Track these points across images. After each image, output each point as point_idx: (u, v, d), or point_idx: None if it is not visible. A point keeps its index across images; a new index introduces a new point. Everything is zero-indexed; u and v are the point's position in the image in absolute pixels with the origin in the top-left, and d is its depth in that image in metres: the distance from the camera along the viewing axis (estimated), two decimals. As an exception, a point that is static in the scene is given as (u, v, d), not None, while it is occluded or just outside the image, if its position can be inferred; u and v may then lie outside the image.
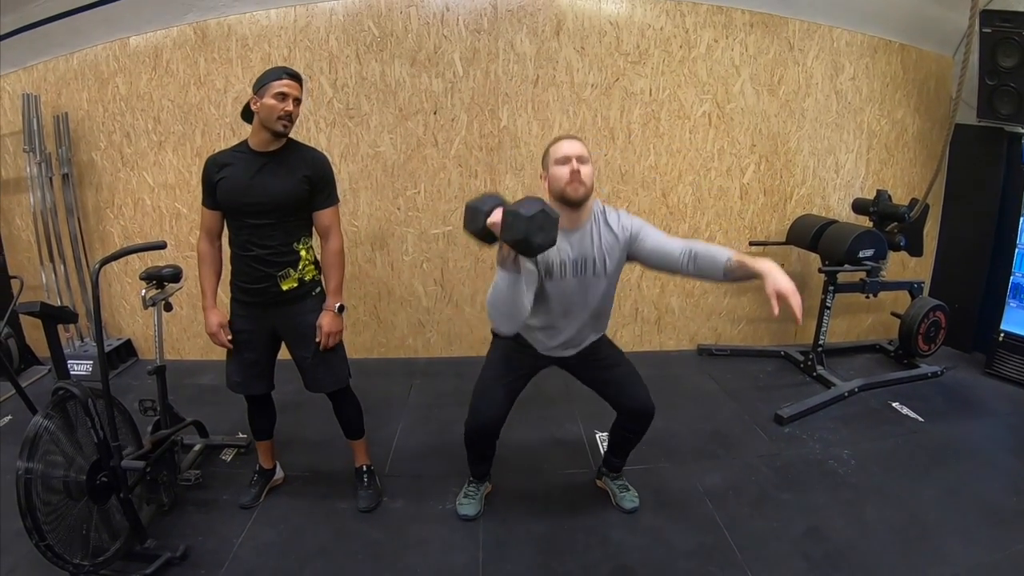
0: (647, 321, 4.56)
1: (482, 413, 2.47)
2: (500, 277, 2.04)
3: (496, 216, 1.90)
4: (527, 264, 2.14)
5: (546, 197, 2.22)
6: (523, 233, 1.82)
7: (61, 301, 4.08)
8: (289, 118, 2.29)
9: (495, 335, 2.59)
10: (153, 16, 3.82)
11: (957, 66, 4.10)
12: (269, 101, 2.26)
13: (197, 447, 3.04)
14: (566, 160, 2.20)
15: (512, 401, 2.51)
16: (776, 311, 1.91)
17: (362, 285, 4.31)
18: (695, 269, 2.19)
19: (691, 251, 2.19)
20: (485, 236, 1.99)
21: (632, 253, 2.33)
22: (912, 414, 3.60)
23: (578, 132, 4.08)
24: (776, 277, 1.95)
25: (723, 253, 2.15)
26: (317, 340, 2.48)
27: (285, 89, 2.27)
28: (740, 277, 2.12)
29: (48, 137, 3.95)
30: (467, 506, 2.70)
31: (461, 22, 3.90)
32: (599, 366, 2.56)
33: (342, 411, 2.74)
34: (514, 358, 2.52)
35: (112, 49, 3.92)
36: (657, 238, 2.29)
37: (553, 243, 1.88)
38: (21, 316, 3.75)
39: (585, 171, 2.20)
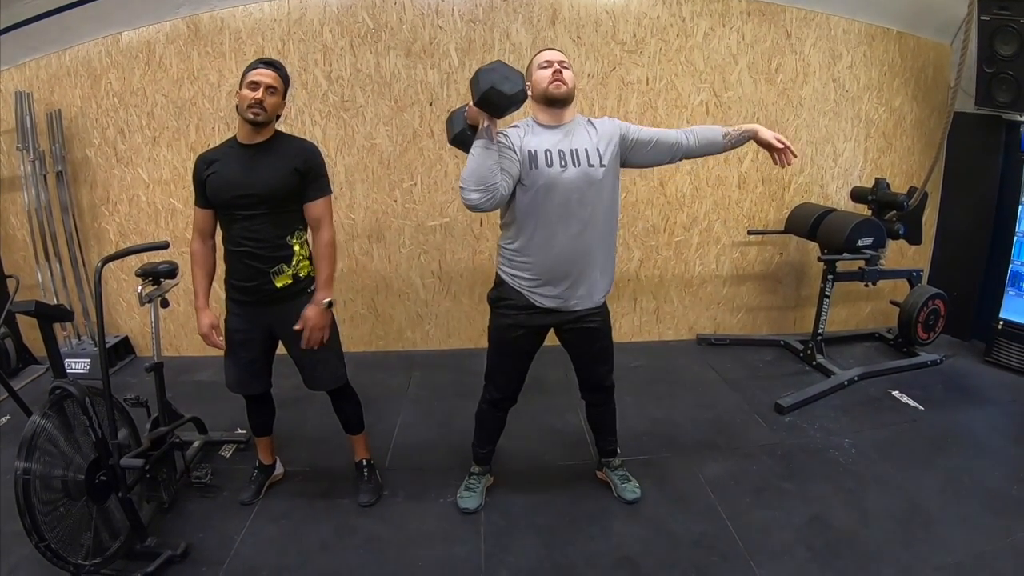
0: (646, 311, 4.56)
1: (500, 383, 2.54)
2: (474, 146, 2.12)
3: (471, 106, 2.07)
4: (507, 150, 2.19)
5: (530, 104, 2.30)
6: (489, 83, 1.95)
7: (57, 300, 4.06)
8: (260, 106, 2.25)
9: (492, 305, 2.50)
10: (145, 11, 3.79)
11: (955, 54, 4.09)
12: (243, 91, 2.27)
13: (196, 444, 3.02)
14: (548, 64, 2.28)
15: (526, 368, 2.55)
16: (778, 157, 2.38)
17: (359, 278, 4.30)
18: (696, 141, 2.40)
19: (688, 130, 2.42)
20: (468, 136, 2.13)
21: (628, 148, 2.36)
22: (912, 402, 3.60)
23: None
24: (765, 130, 2.39)
25: (718, 127, 2.45)
26: (297, 328, 2.37)
27: (256, 77, 2.27)
28: (736, 141, 2.44)
29: (41, 135, 3.92)
30: (468, 499, 2.70)
31: (456, 12, 3.87)
32: (586, 333, 2.47)
33: (341, 407, 2.73)
34: (515, 328, 2.42)
35: (104, 45, 3.88)
36: (651, 129, 2.41)
37: (523, 94, 2.03)
38: (18, 315, 3.73)
39: (567, 73, 2.27)
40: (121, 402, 2.52)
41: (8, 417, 3.37)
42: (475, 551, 2.45)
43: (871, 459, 3.04)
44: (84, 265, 4.16)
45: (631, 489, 2.75)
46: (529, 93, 2.24)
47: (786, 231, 4.34)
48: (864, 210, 4.19)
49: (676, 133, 2.40)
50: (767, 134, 2.36)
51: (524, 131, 2.28)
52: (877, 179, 4.11)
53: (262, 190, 2.29)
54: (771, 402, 3.57)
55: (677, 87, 4.11)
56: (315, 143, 2.49)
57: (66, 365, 3.72)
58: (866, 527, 2.55)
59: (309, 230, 2.49)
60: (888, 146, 4.52)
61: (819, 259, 3.97)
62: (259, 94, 2.25)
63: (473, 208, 2.15)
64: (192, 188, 2.42)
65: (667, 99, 4.12)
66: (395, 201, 4.15)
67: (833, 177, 4.48)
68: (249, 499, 2.74)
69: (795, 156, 2.38)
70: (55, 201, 4.02)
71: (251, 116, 2.26)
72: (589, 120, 2.38)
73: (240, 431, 3.21)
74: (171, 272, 2.69)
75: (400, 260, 4.29)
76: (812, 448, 3.16)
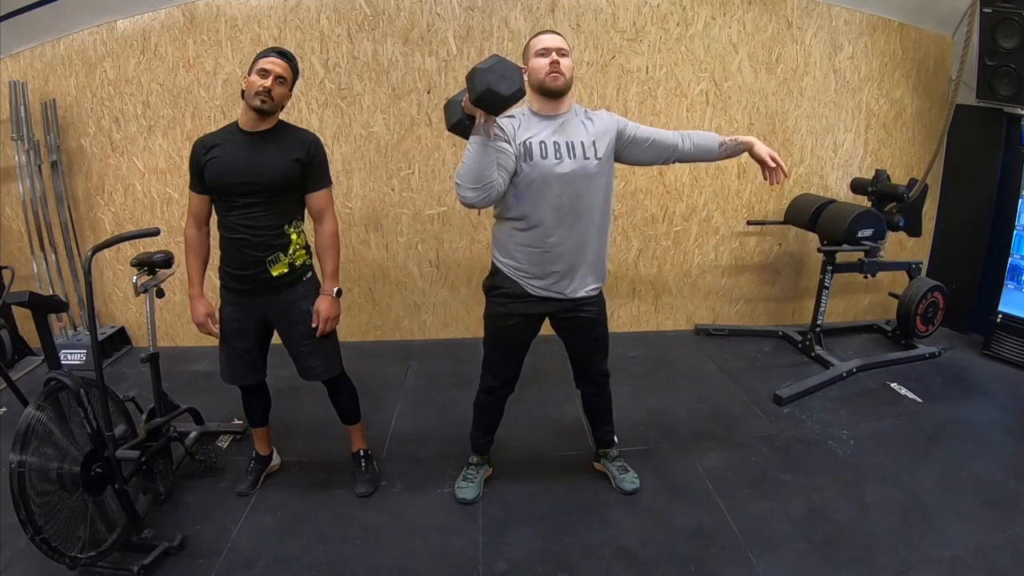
0: (644, 301, 4.55)
1: (497, 371, 2.52)
2: (470, 143, 2.07)
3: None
4: (502, 144, 2.16)
5: (526, 90, 2.20)
6: (485, 84, 1.87)
7: (53, 290, 4.03)
8: (268, 94, 2.24)
9: (486, 293, 2.48)
10: (140, -2, 3.75)
11: (957, 46, 4.07)
12: (252, 77, 2.26)
13: (193, 434, 3.01)
14: (546, 52, 2.20)
15: (522, 357, 2.53)
16: (768, 174, 2.32)
17: (357, 267, 4.28)
18: (692, 146, 2.39)
19: (685, 133, 2.39)
20: (466, 125, 2.05)
21: (624, 145, 2.34)
22: (910, 395, 3.60)
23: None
24: (761, 144, 2.34)
25: (714, 135, 2.43)
26: (314, 325, 2.44)
27: (267, 65, 2.25)
28: (732, 151, 2.41)
29: (36, 124, 3.88)
30: (466, 489, 2.70)
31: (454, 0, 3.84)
32: (582, 322, 2.46)
33: (338, 397, 2.72)
34: (510, 317, 2.41)
35: (99, 33, 3.84)
36: (648, 129, 2.38)
37: (521, 92, 1.95)
38: (14, 306, 3.71)
39: (565, 63, 2.20)
40: (115, 393, 2.50)
41: (4, 409, 3.36)
42: (473, 542, 2.45)
43: (869, 451, 3.04)
44: (79, 255, 4.13)
45: (630, 480, 2.75)
46: (526, 78, 2.20)
47: (785, 222, 4.33)
48: (864, 201, 4.17)
49: (673, 135, 2.37)
50: (762, 149, 2.32)
51: (520, 121, 2.25)
52: (877, 170, 4.09)
53: (264, 178, 2.28)
54: (769, 393, 3.57)
55: (677, 76, 4.08)
56: (316, 134, 2.47)
57: (62, 356, 3.71)
58: (864, 519, 2.55)
59: (306, 220, 2.48)
60: (888, 137, 4.50)
61: (819, 250, 3.96)
62: (268, 82, 2.24)
63: (469, 206, 2.14)
64: (188, 173, 2.40)
65: (667, 88, 4.10)
66: (392, 190, 4.13)
67: (833, 168, 4.46)
68: (246, 490, 2.73)
69: (786, 176, 2.35)
70: (50, 191, 3.99)
71: (258, 103, 2.24)
72: (586, 112, 2.34)
73: (237, 421, 3.20)
74: (166, 262, 2.66)
75: (397, 249, 4.27)
76: (810, 439, 3.16)
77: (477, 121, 2.03)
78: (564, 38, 2.29)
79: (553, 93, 2.23)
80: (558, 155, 2.21)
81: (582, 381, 2.69)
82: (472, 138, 2.06)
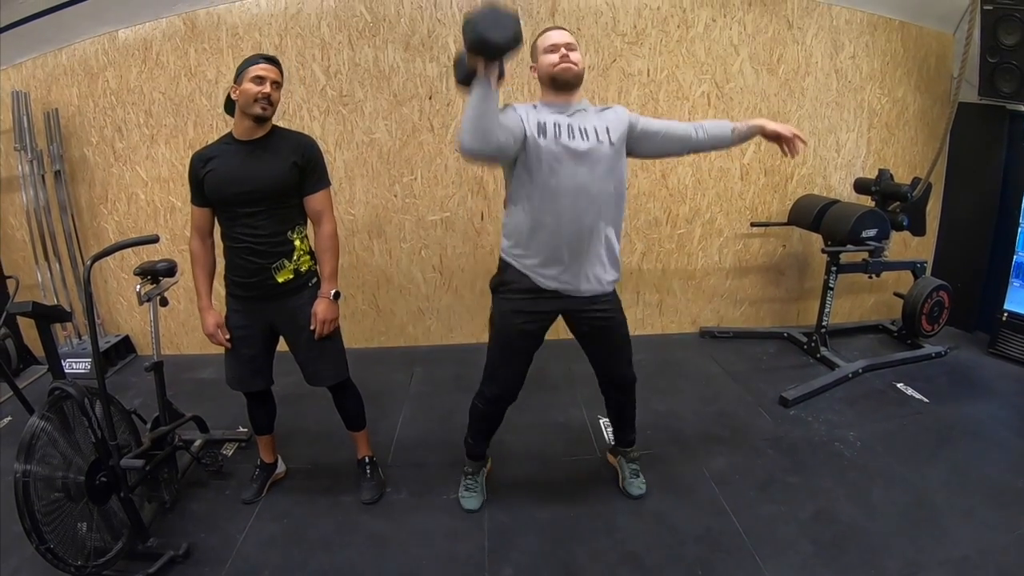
0: (648, 304, 4.53)
1: (501, 379, 2.46)
2: (473, 89, 1.96)
3: None
4: (509, 110, 2.18)
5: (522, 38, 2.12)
6: (479, 32, 1.81)
7: (57, 300, 4.05)
8: (268, 100, 2.26)
9: (494, 291, 2.44)
10: (141, 8, 3.76)
11: (958, 44, 4.06)
12: (246, 85, 2.25)
13: (198, 442, 3.01)
14: (555, 48, 2.22)
15: (528, 363, 2.48)
16: (787, 148, 2.32)
17: (360, 274, 4.28)
18: (706, 135, 2.36)
19: (698, 124, 2.38)
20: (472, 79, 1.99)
21: (636, 139, 2.32)
22: (917, 395, 3.58)
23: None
24: (771, 123, 2.34)
25: (726, 121, 2.41)
26: (312, 328, 2.43)
27: (262, 72, 2.26)
28: (744, 136, 2.39)
29: (39, 134, 3.90)
30: (470, 499, 2.69)
31: (455, 5, 3.83)
32: (599, 322, 2.43)
33: (343, 403, 2.72)
34: (520, 315, 2.36)
35: (101, 43, 3.86)
36: (660, 121, 2.40)
37: (517, 39, 1.85)
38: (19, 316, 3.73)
39: (575, 56, 2.21)
40: (119, 402, 2.50)
41: (10, 418, 3.37)
42: (479, 547, 2.44)
43: (876, 452, 3.03)
44: (83, 265, 4.14)
45: (638, 485, 2.73)
46: (534, 76, 2.31)
47: (789, 223, 4.32)
48: (867, 201, 4.16)
49: (686, 127, 2.36)
50: (774, 125, 2.32)
51: (535, 108, 2.25)
52: (880, 170, 4.08)
53: (263, 185, 2.28)
54: (775, 395, 3.56)
55: (678, 78, 4.08)
56: (313, 137, 2.47)
57: (67, 365, 3.73)
58: (871, 521, 2.53)
59: (309, 225, 2.48)
60: (891, 137, 4.48)
61: (823, 251, 3.94)
62: (267, 88, 2.25)
63: (467, 153, 2.03)
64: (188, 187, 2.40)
65: (668, 91, 4.09)
66: (395, 196, 4.13)
67: (836, 168, 4.45)
68: (251, 498, 2.74)
69: (804, 143, 2.34)
70: (53, 201, 4.01)
71: (259, 111, 2.25)
72: (598, 107, 2.36)
73: (242, 429, 3.20)
74: (170, 270, 2.68)
75: (401, 255, 4.27)
76: (817, 441, 3.14)
77: (479, 71, 1.92)
78: (570, 32, 2.30)
79: (566, 85, 2.22)
80: (571, 135, 2.19)
81: (607, 387, 2.65)
82: (473, 84, 1.95)
